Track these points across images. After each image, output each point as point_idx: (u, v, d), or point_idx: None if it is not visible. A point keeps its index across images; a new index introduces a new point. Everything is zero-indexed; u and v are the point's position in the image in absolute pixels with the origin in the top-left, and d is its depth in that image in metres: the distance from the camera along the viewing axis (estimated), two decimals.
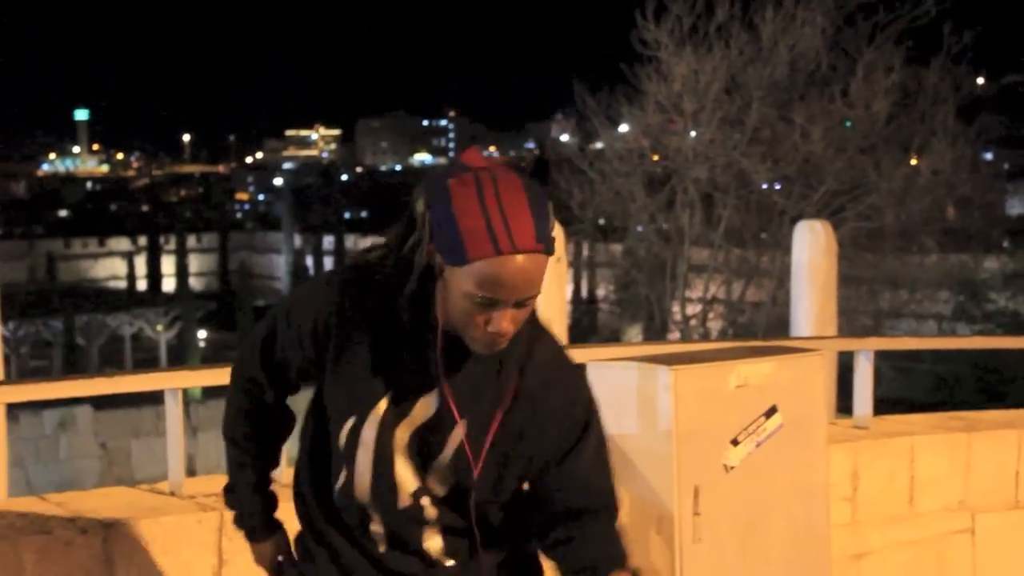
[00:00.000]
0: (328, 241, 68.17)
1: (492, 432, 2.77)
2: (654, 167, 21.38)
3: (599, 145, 22.94)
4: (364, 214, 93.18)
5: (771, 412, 5.13)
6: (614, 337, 23.80)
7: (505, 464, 2.82)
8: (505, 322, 2.59)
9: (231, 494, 3.16)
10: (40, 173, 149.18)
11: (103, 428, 25.19)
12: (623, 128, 22.41)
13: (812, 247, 10.32)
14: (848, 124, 20.70)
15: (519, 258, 2.53)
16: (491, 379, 2.76)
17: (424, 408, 2.77)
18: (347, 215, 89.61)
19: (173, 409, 4.99)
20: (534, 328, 2.82)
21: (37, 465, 24.52)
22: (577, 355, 6.51)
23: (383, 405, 2.77)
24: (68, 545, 4.38)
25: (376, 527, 2.87)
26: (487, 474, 2.80)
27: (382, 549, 2.88)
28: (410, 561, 2.89)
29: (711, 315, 21.71)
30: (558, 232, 10.01)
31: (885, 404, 7.62)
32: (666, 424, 4.93)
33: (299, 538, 3.04)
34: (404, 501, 2.82)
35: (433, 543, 2.87)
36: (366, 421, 2.78)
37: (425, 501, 2.83)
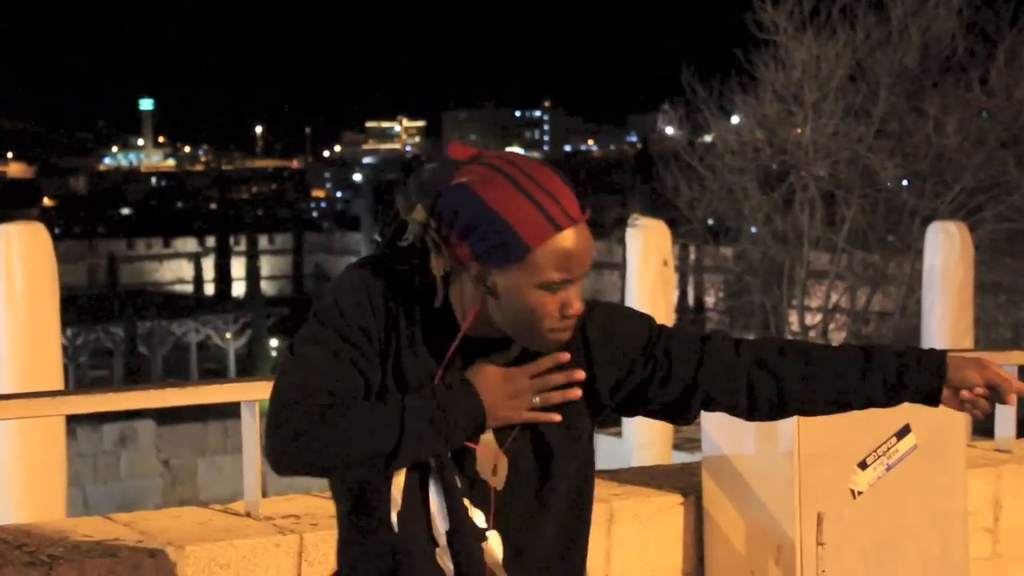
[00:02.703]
0: None
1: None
2: (770, 162, 21.28)
3: (709, 138, 22.88)
4: None
5: (904, 432, 5.10)
6: None
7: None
8: (577, 301, 2.76)
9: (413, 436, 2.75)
10: (101, 167, 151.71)
11: (166, 444, 25.46)
12: (736, 119, 22.34)
13: (946, 251, 10.25)
14: (986, 115, 20.48)
15: (577, 229, 2.73)
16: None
17: None
18: None
19: (250, 423, 5.03)
20: None
21: (96, 483, 24.83)
22: None
23: None
24: (136, 568, 4.44)
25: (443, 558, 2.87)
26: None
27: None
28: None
29: (832, 325, 21.56)
30: (661, 231, 10.10)
31: None
32: (787, 445, 4.91)
33: None
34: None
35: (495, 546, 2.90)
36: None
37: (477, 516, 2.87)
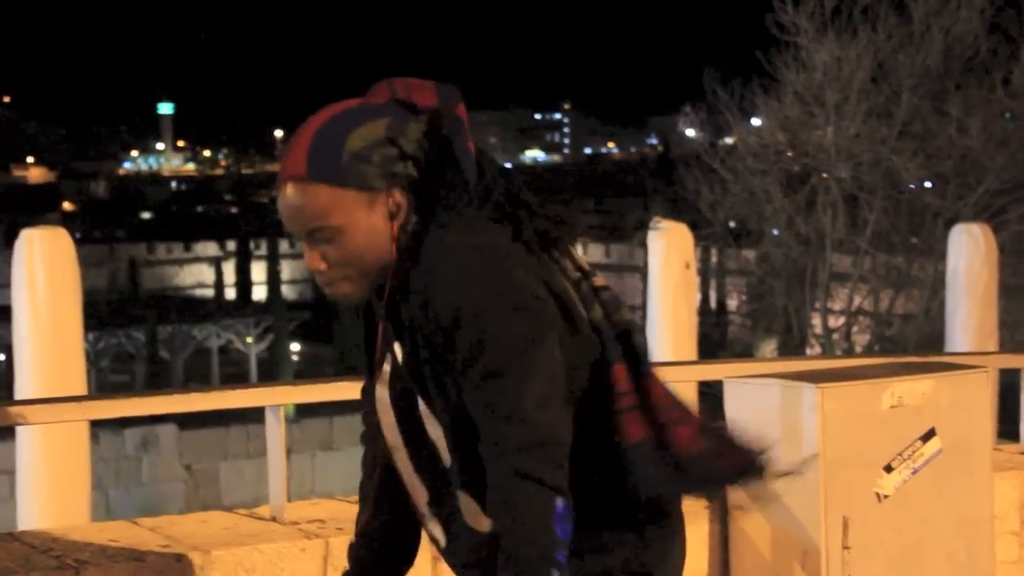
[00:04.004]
0: None
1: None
2: (792, 165, 21.25)
3: (730, 140, 22.85)
4: None
5: (929, 435, 5.10)
6: (746, 352, 23.67)
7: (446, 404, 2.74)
8: (310, 259, 2.68)
9: None
10: (121, 172, 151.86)
11: (188, 449, 25.50)
12: (757, 122, 22.32)
13: (970, 253, 10.22)
14: (1010, 116, 20.44)
15: (285, 187, 2.64)
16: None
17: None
18: None
19: (275, 427, 5.06)
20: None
21: (118, 488, 24.89)
22: (710, 371, 6.49)
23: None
24: (162, 573, 4.46)
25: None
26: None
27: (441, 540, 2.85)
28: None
29: (855, 328, 21.52)
30: (683, 234, 10.00)
31: None
32: (812, 448, 4.91)
33: None
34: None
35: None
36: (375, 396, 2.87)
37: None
